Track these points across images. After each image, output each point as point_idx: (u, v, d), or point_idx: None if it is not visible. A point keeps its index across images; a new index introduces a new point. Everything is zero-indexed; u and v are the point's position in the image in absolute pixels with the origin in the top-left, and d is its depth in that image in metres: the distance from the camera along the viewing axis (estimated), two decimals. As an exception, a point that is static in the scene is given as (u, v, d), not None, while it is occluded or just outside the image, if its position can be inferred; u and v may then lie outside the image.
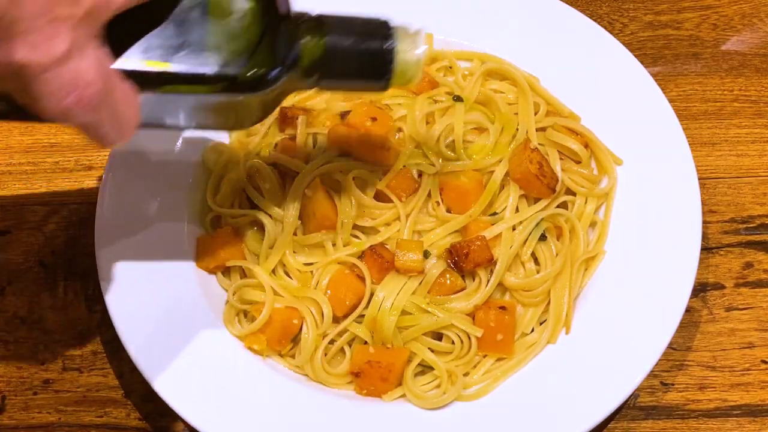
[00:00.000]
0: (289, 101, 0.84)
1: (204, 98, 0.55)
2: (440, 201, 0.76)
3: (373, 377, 0.71)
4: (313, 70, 0.57)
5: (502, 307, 0.73)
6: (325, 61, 0.57)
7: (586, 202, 0.79)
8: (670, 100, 0.82)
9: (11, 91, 0.47)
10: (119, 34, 0.50)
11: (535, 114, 0.82)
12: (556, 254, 0.76)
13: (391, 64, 0.58)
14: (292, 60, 0.55)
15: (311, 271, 0.76)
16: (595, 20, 0.87)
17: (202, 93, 0.54)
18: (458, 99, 0.81)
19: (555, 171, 0.78)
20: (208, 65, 0.52)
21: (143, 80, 0.51)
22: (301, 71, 0.57)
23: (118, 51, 0.50)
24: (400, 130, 0.80)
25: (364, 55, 0.57)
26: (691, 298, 0.73)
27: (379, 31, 0.58)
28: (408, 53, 0.58)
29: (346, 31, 0.57)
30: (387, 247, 0.75)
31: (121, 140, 0.52)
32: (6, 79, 0.46)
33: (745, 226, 0.84)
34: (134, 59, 0.51)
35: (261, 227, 0.77)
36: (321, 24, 0.57)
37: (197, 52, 0.52)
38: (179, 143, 0.81)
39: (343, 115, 0.80)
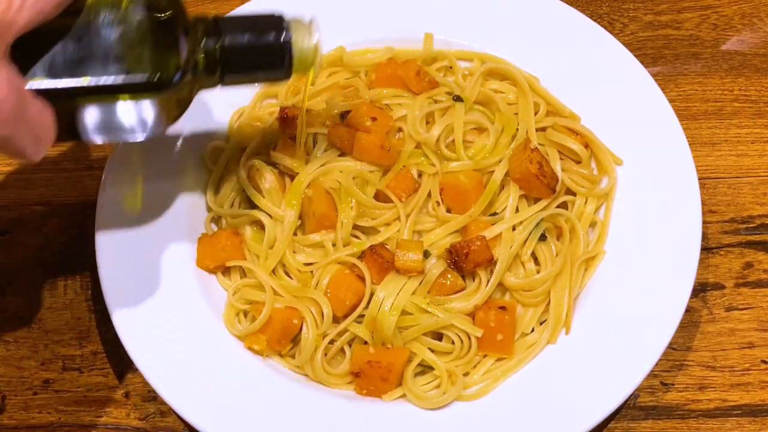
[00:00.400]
0: (289, 101, 0.84)
1: (114, 107, 0.56)
2: (440, 201, 0.76)
3: (373, 377, 0.71)
4: (214, 69, 0.60)
5: (502, 307, 0.73)
6: (226, 59, 0.60)
7: (586, 202, 0.79)
8: (670, 100, 0.82)
9: None
10: (23, 53, 0.51)
11: (535, 114, 0.82)
12: (556, 254, 0.76)
13: (288, 54, 0.61)
14: (194, 61, 0.58)
15: (311, 271, 0.76)
16: (595, 20, 0.87)
17: (110, 102, 0.56)
18: (458, 99, 0.81)
19: (555, 171, 0.78)
20: (112, 75, 0.54)
21: (52, 95, 0.53)
22: (203, 70, 0.59)
23: (23, 70, 0.52)
24: (400, 130, 0.80)
25: (261, 49, 0.61)
26: (691, 298, 0.73)
27: (273, 24, 0.61)
28: (303, 41, 0.61)
29: (241, 29, 0.60)
30: (387, 247, 0.75)
31: (39, 154, 0.54)
32: None
33: (745, 226, 0.84)
34: (41, 76, 0.53)
35: (261, 227, 0.77)
36: (217, 25, 0.60)
37: (100, 63, 0.54)
38: (179, 143, 0.81)
39: (343, 115, 0.80)
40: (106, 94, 0.55)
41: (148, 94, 0.56)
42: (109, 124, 0.59)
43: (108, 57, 0.54)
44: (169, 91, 0.56)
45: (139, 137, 0.61)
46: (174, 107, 0.60)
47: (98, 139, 0.60)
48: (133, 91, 0.55)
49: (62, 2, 0.51)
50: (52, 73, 0.53)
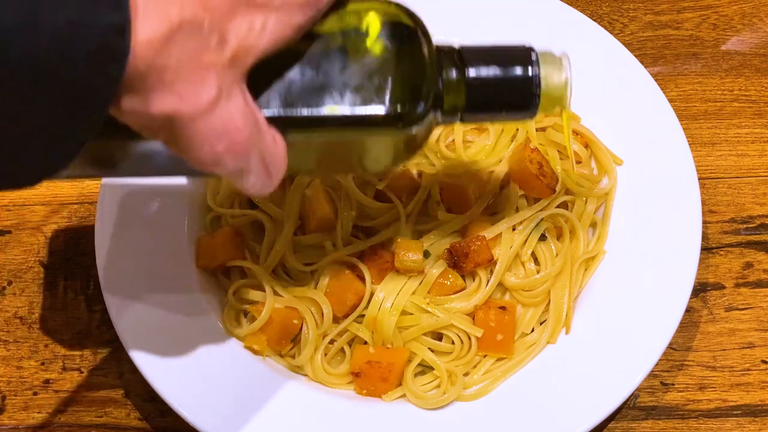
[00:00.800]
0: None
1: (347, 140, 0.53)
2: (440, 201, 0.76)
3: (373, 377, 0.71)
4: (456, 104, 0.55)
5: (502, 307, 0.73)
6: (469, 93, 0.55)
7: (586, 202, 0.79)
8: (670, 100, 0.82)
9: (162, 141, 0.45)
10: (256, 78, 0.48)
11: (535, 114, 0.82)
12: (556, 254, 0.76)
13: (537, 91, 0.55)
14: (435, 95, 0.53)
15: (311, 271, 0.76)
16: (595, 20, 0.87)
17: (345, 134, 0.52)
18: (458, 99, 0.81)
19: (555, 171, 0.78)
20: (350, 106, 0.50)
21: (287, 124, 0.50)
22: (445, 105, 0.55)
23: (256, 96, 0.49)
24: (400, 130, 0.80)
25: (508, 85, 0.55)
26: (691, 298, 0.73)
27: (521, 58, 0.55)
28: (553, 78, 0.55)
29: (487, 61, 0.55)
30: (387, 247, 0.75)
31: (270, 188, 0.51)
32: (155, 130, 0.44)
33: (745, 226, 0.84)
34: (276, 104, 0.50)
35: (261, 227, 0.77)
36: (461, 56, 0.55)
37: (338, 93, 0.50)
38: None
39: (343, 115, 0.80)
40: (341, 126, 0.51)
41: (385, 129, 0.51)
42: (340, 158, 0.55)
43: (345, 86, 0.50)
44: (410, 126, 0.52)
45: (364, 172, 0.56)
46: (409, 144, 0.55)
47: (326, 173, 0.56)
48: (370, 124, 0.51)
49: (303, 27, 0.48)
50: (286, 101, 0.49)
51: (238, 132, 0.45)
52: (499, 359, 0.73)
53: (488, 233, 0.75)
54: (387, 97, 0.51)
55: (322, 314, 0.73)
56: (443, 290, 0.74)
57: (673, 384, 0.76)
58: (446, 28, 0.87)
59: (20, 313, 0.81)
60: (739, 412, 0.75)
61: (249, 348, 0.73)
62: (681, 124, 0.80)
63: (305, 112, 0.50)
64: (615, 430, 0.75)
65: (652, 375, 0.75)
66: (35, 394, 0.78)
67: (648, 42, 0.96)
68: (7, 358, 0.79)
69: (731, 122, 0.90)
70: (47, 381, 0.78)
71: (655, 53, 0.95)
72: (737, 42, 0.95)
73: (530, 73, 0.55)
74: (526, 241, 0.76)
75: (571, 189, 0.79)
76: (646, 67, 0.84)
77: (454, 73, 0.55)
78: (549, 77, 0.56)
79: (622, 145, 0.81)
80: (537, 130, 0.80)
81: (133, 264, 0.75)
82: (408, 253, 0.73)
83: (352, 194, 0.76)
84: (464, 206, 0.76)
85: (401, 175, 0.77)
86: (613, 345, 0.72)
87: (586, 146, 0.80)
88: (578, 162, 0.80)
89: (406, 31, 0.52)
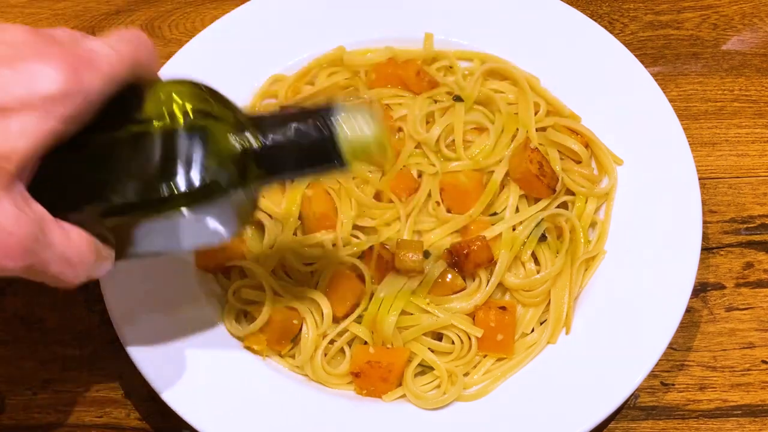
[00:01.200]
0: (288, 100, 0.84)
1: (155, 223, 0.52)
2: (440, 201, 0.76)
3: (373, 377, 0.71)
4: (262, 170, 0.54)
5: (503, 307, 0.73)
6: (271, 159, 0.54)
7: (586, 202, 0.79)
8: (670, 100, 0.82)
9: None
10: (48, 173, 0.48)
11: (536, 114, 0.82)
12: (556, 254, 0.76)
13: (336, 149, 0.54)
14: (236, 164, 0.53)
15: (311, 271, 0.76)
16: (595, 20, 0.88)
17: (156, 217, 0.51)
18: (458, 99, 0.81)
19: (555, 171, 0.78)
20: (149, 190, 0.50)
21: (83, 216, 0.50)
22: (250, 173, 0.54)
23: (49, 190, 0.48)
24: (400, 130, 0.80)
25: (306, 146, 0.54)
26: (691, 298, 0.73)
27: (317, 117, 0.54)
28: (354, 133, 0.54)
29: (281, 126, 0.54)
30: (387, 247, 0.75)
31: (78, 278, 0.51)
32: None
33: (745, 226, 0.84)
34: (67, 197, 0.49)
35: (261, 227, 0.77)
36: (258, 123, 0.54)
37: (132, 177, 0.50)
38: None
39: (343, 115, 0.80)
40: (145, 209, 0.50)
41: (194, 205, 0.51)
42: (166, 240, 0.55)
43: (138, 170, 0.50)
44: (217, 199, 0.52)
45: (195, 248, 0.57)
46: (228, 216, 0.55)
47: (163, 255, 0.57)
48: (177, 203, 0.50)
49: (76, 118, 0.46)
50: (77, 194, 0.49)
51: (9, 236, 0.45)
52: (499, 359, 0.73)
53: (488, 233, 0.75)
54: (187, 175, 0.50)
55: (322, 314, 0.73)
56: (443, 290, 0.74)
57: (673, 384, 0.76)
58: (447, 28, 0.88)
59: (20, 313, 0.81)
60: (740, 412, 0.75)
61: (249, 348, 0.73)
62: (681, 124, 0.80)
63: (97, 202, 0.50)
64: (615, 430, 0.75)
65: (652, 375, 0.75)
66: (35, 394, 0.77)
67: (648, 42, 0.96)
68: (7, 358, 0.79)
69: (731, 122, 0.90)
70: (47, 381, 0.78)
71: (655, 53, 0.95)
72: (737, 42, 0.95)
73: (324, 134, 0.54)
74: (526, 241, 0.76)
75: (571, 189, 0.79)
76: (646, 67, 0.84)
77: (252, 141, 0.53)
78: (349, 132, 0.54)
79: (622, 145, 0.81)
80: (537, 130, 0.81)
81: (133, 264, 0.75)
82: (408, 253, 0.73)
83: (352, 194, 0.76)
84: (464, 206, 0.76)
85: (401, 175, 0.77)
86: (613, 345, 0.71)
87: (586, 146, 0.80)
88: (578, 162, 0.80)
89: (199, 108, 0.52)
